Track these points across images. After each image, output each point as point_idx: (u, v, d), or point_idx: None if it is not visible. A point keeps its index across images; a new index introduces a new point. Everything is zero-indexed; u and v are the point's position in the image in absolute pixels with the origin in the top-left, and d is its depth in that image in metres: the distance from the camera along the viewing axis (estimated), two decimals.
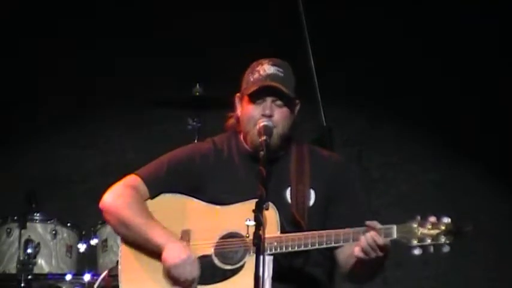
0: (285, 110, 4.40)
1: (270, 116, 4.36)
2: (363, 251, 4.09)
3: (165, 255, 4.28)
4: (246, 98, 4.42)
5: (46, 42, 7.60)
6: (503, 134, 7.43)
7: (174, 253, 4.27)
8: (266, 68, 4.41)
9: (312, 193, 4.42)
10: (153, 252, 4.34)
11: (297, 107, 4.48)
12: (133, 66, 7.59)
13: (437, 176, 7.61)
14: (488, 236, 7.22)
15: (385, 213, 7.42)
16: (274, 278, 4.14)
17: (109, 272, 5.84)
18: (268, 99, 4.38)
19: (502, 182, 7.48)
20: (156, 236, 4.32)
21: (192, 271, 4.26)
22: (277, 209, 4.25)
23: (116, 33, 7.63)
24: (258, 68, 4.42)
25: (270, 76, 4.38)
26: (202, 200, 4.42)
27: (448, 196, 7.54)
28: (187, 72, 7.15)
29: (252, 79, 4.41)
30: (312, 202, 4.40)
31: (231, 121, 4.58)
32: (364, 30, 7.54)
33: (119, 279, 4.40)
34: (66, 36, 7.63)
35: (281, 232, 4.23)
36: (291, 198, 4.40)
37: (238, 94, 4.51)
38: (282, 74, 4.40)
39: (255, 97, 4.39)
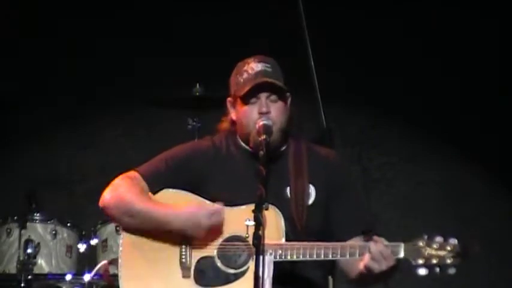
0: (280, 104, 4.38)
1: (267, 113, 4.34)
2: (367, 265, 4.07)
3: (177, 227, 4.24)
4: (239, 101, 4.39)
5: (46, 42, 7.60)
6: (503, 134, 7.43)
7: (182, 219, 4.24)
8: (254, 66, 4.38)
9: (312, 189, 4.40)
10: (158, 240, 4.31)
11: (289, 100, 4.45)
12: (133, 66, 7.59)
13: (437, 176, 7.61)
14: (489, 237, 7.22)
15: (385, 213, 7.43)
16: (275, 280, 4.13)
17: (109, 262, 5.85)
18: (263, 97, 4.35)
19: (502, 182, 7.48)
20: (162, 213, 4.28)
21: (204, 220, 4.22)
22: (279, 208, 4.24)
23: (116, 33, 7.63)
24: (245, 68, 4.39)
25: (259, 73, 4.35)
26: (204, 198, 4.39)
27: (448, 196, 7.54)
28: (187, 72, 7.15)
29: (241, 80, 4.38)
30: (312, 199, 4.39)
31: (224, 125, 4.54)
32: (364, 30, 7.54)
33: (119, 274, 4.35)
34: (66, 36, 7.63)
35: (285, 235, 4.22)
36: (290, 196, 4.39)
37: (229, 98, 4.47)
38: (271, 69, 4.37)
39: (249, 97, 4.35)
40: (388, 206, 7.52)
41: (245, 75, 4.38)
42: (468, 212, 7.43)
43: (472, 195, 7.53)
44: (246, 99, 4.36)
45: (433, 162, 7.64)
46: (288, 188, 4.40)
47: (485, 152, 7.44)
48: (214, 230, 4.28)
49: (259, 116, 4.33)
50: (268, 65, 4.39)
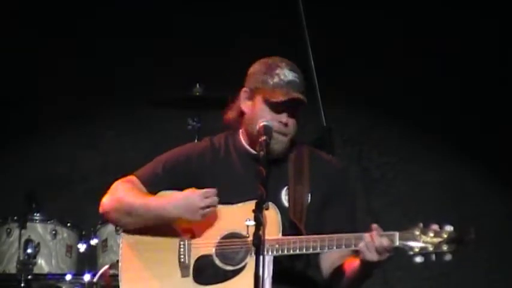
0: (296, 117, 4.38)
1: (286, 125, 4.33)
2: (366, 255, 4.06)
3: (174, 213, 4.27)
4: (260, 99, 4.35)
5: (46, 42, 7.60)
6: (503, 134, 7.43)
7: (177, 203, 4.28)
8: (286, 73, 4.33)
9: (309, 195, 4.40)
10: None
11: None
12: (133, 66, 7.59)
13: (437, 176, 7.61)
14: (489, 237, 7.22)
15: (385, 213, 7.43)
16: (274, 279, 4.13)
17: (109, 267, 5.86)
18: (288, 110, 4.33)
19: (502, 182, 7.48)
20: (159, 203, 4.31)
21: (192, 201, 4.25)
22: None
23: (116, 33, 7.63)
24: (277, 71, 4.33)
25: (291, 84, 4.31)
26: None
27: (448, 196, 7.54)
28: (187, 72, 7.15)
29: (271, 82, 4.32)
30: (307, 203, 4.39)
31: (231, 114, 4.50)
32: (364, 30, 7.54)
33: (119, 278, 4.38)
34: (66, 36, 7.64)
35: (282, 233, 4.22)
36: (288, 199, 4.39)
37: (245, 89, 4.42)
38: (298, 80, 4.35)
39: (278, 106, 4.32)
40: (388, 206, 7.53)
41: (276, 79, 4.32)
42: (468, 212, 7.43)
43: (472, 195, 7.53)
44: (273, 105, 4.34)
45: (433, 162, 7.64)
46: (285, 191, 4.40)
47: (485, 152, 7.44)
48: (211, 218, 4.29)
49: (278, 123, 4.31)
50: (297, 76, 4.35)
